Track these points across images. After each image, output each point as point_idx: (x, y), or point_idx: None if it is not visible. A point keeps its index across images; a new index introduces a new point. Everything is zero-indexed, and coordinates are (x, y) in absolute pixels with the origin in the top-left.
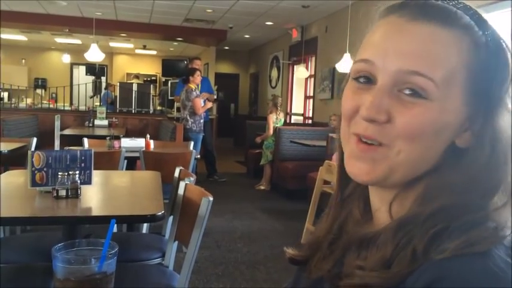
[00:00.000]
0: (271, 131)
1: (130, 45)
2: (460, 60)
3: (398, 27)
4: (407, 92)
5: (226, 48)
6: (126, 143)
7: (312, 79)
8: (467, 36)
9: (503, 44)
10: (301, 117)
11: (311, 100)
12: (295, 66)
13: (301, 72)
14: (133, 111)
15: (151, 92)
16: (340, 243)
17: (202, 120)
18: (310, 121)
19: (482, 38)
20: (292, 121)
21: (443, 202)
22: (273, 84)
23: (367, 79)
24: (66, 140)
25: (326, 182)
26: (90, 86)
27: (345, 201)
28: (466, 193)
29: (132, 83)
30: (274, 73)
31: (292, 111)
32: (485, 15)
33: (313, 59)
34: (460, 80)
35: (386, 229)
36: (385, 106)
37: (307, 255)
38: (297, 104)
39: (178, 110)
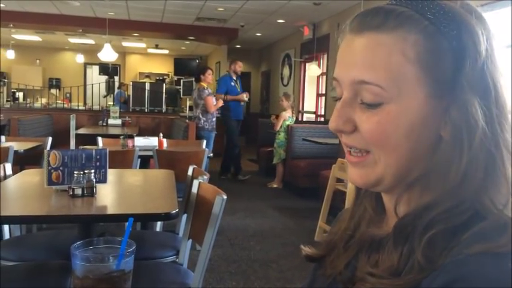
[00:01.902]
0: (278, 127)
1: (142, 45)
2: (406, 57)
3: (349, 42)
4: (363, 102)
5: (238, 46)
6: (140, 141)
7: (324, 77)
8: (412, 33)
9: (464, 24)
10: (313, 115)
11: (323, 98)
12: (307, 64)
13: (313, 70)
14: (146, 110)
15: (164, 91)
16: (354, 242)
17: (214, 119)
18: (322, 119)
19: (431, 27)
20: (304, 119)
21: (426, 200)
22: (285, 82)
23: (339, 96)
24: (80, 139)
25: (339, 180)
26: (103, 86)
27: (361, 199)
28: (460, 186)
29: (145, 82)
30: (285, 71)
31: (305, 109)
32: (484, 15)
33: (325, 56)
34: (413, 76)
35: (390, 235)
36: (349, 116)
37: (323, 253)
38: (309, 102)
39: (190, 108)
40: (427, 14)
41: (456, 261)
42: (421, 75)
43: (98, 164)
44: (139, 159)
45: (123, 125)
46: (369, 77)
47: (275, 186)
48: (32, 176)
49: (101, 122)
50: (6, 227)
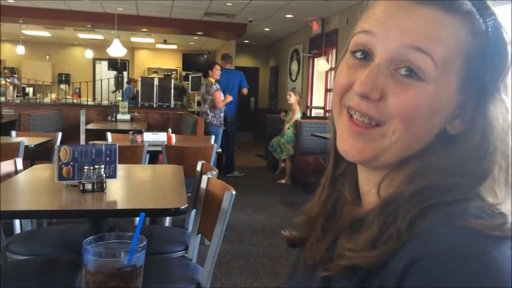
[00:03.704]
0: (291, 122)
1: (151, 40)
2: (459, 45)
3: (402, 7)
4: (403, 71)
5: (246, 41)
6: (149, 137)
7: (333, 72)
8: (467, 24)
9: (504, 33)
10: (322, 111)
11: (332, 93)
12: (315, 59)
13: (321, 65)
14: (154, 106)
15: (172, 86)
16: (332, 226)
17: (222, 114)
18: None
19: (482, 26)
20: (312, 114)
21: (429, 182)
22: (293, 77)
23: (364, 55)
24: (89, 135)
25: None
26: (112, 81)
27: (337, 180)
28: (453, 176)
29: (154, 78)
30: (294, 66)
31: (313, 105)
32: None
33: (334, 51)
34: (457, 65)
35: (374, 209)
36: (380, 83)
37: (302, 236)
38: (318, 98)
39: (199, 103)
40: (482, 14)
41: (422, 238)
42: (463, 67)
43: (107, 159)
44: (148, 155)
45: (132, 120)
46: (426, 45)
47: (283, 181)
48: (42, 171)
49: (109, 117)
50: (17, 222)
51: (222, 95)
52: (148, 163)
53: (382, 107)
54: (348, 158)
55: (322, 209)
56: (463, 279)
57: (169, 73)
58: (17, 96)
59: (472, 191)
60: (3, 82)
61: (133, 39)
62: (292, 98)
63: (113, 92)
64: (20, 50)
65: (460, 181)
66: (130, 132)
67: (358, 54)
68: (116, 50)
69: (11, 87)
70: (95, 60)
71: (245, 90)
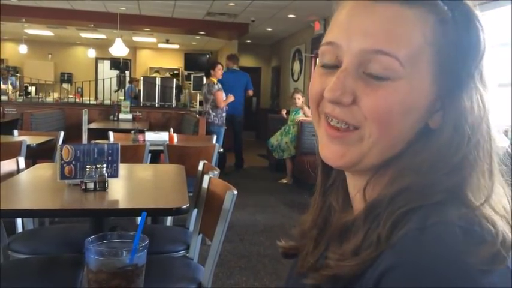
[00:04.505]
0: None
1: (153, 40)
2: (425, 38)
3: (362, 7)
4: (372, 73)
5: (248, 41)
6: (150, 136)
7: None
8: (432, 14)
9: (474, 20)
10: None
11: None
12: (317, 59)
13: None
14: (156, 105)
15: (174, 86)
16: (324, 236)
17: (224, 114)
18: None
19: (449, 14)
20: None
21: (407, 182)
22: (295, 77)
23: (333, 62)
24: (91, 134)
25: None
26: (114, 81)
27: (327, 191)
28: (427, 174)
29: (156, 77)
30: (296, 66)
31: None
32: (486, 12)
33: None
34: (426, 59)
35: (359, 215)
36: (350, 87)
37: (296, 247)
38: None
39: (201, 103)
40: (448, 2)
41: (401, 243)
42: (433, 59)
43: (109, 158)
44: (150, 154)
45: (134, 119)
46: (389, 48)
47: (285, 181)
48: (44, 170)
49: (112, 116)
50: (19, 221)
51: (223, 94)
52: (150, 162)
53: (356, 111)
54: (330, 164)
55: (315, 220)
56: (436, 286)
57: (171, 73)
58: (19, 95)
59: (451, 189)
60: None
61: (136, 38)
62: (301, 100)
63: (115, 91)
64: (23, 49)
65: (435, 179)
66: (132, 131)
67: (327, 62)
68: (118, 49)
69: (11, 87)
70: (97, 59)
71: (250, 92)
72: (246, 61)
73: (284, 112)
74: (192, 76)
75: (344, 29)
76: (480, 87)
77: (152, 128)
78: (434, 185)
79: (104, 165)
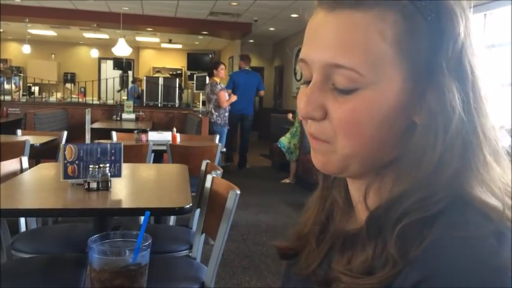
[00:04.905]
0: None
1: (156, 40)
2: (383, 40)
3: (319, 20)
4: (337, 87)
5: (251, 41)
6: (153, 136)
7: None
8: (390, 11)
9: (446, 5)
10: None
11: None
12: None
13: None
14: (159, 105)
15: (177, 86)
16: (327, 237)
17: (227, 114)
18: None
19: (410, 7)
20: None
21: (402, 189)
22: (298, 77)
23: (309, 79)
24: (94, 134)
25: None
26: (117, 80)
27: (329, 189)
28: (421, 173)
29: (158, 77)
30: (299, 66)
31: None
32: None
33: None
34: (389, 60)
35: (363, 227)
36: (320, 102)
37: (296, 248)
38: None
39: (203, 103)
40: None
41: (427, 255)
42: (399, 57)
43: (112, 158)
44: (153, 154)
45: (137, 119)
46: (344, 60)
47: (288, 181)
48: (48, 170)
49: (115, 116)
50: (22, 220)
51: (226, 94)
52: (153, 162)
53: (326, 126)
54: (319, 170)
55: (316, 219)
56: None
57: (174, 72)
58: (22, 95)
59: (449, 189)
60: (7, 86)
61: (139, 38)
62: None
63: (118, 91)
64: (26, 49)
65: (427, 180)
66: (135, 131)
67: (305, 80)
68: (121, 49)
69: (14, 86)
70: (100, 59)
71: (262, 92)
72: None
73: (290, 116)
74: (194, 76)
75: (309, 44)
76: (448, 75)
77: (155, 127)
78: (424, 189)
79: (107, 165)
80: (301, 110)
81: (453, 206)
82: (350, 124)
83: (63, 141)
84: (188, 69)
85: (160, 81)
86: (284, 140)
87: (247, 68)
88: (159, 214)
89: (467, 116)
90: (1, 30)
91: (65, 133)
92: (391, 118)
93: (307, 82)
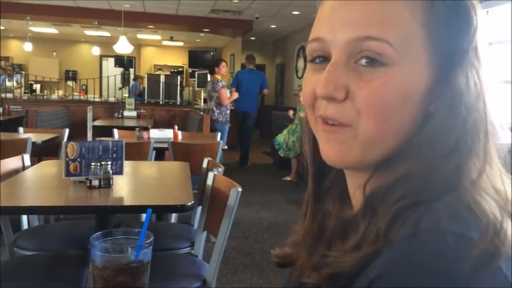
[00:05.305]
0: None
1: (157, 37)
2: (414, 19)
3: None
4: (363, 62)
5: (252, 38)
6: (155, 134)
7: None
8: None
9: None
10: None
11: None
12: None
13: None
14: (160, 103)
15: (178, 83)
16: (323, 241)
17: (228, 111)
18: None
19: None
20: None
21: (403, 172)
22: (300, 74)
23: (323, 58)
24: (96, 131)
25: None
26: (119, 78)
27: (322, 198)
28: (426, 158)
29: (160, 75)
30: (300, 63)
31: None
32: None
33: None
34: (419, 40)
35: (358, 211)
36: (342, 81)
37: (291, 256)
38: None
39: (205, 101)
40: None
41: (387, 251)
42: (428, 39)
43: (114, 155)
44: (154, 151)
45: (139, 117)
46: (377, 31)
47: (289, 179)
48: (50, 167)
49: (116, 114)
50: (24, 217)
51: (227, 92)
52: (155, 160)
53: (348, 107)
54: (332, 165)
55: (309, 229)
56: None
57: (175, 70)
58: (24, 92)
59: (448, 178)
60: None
61: (140, 36)
62: None
63: (120, 88)
64: (28, 46)
65: (431, 166)
66: (137, 128)
67: (317, 60)
68: (123, 46)
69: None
70: (101, 57)
71: (266, 91)
72: None
73: (291, 113)
74: (196, 73)
75: (328, 22)
76: (476, 63)
77: (156, 125)
78: (431, 172)
79: (109, 163)
80: (321, 90)
81: (447, 197)
82: (376, 103)
83: (65, 139)
84: (189, 66)
85: (162, 78)
86: (280, 138)
87: (251, 67)
88: (161, 211)
89: (479, 104)
90: (2, 28)
91: (67, 131)
92: (412, 102)
93: (318, 62)
